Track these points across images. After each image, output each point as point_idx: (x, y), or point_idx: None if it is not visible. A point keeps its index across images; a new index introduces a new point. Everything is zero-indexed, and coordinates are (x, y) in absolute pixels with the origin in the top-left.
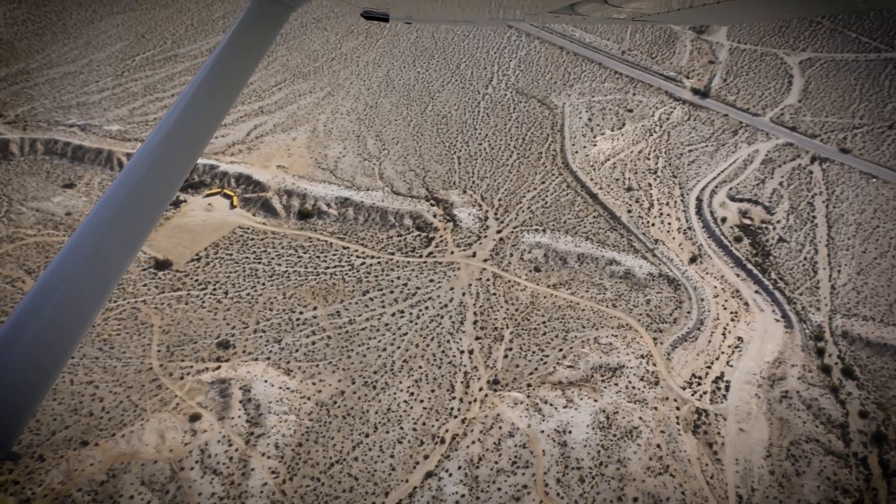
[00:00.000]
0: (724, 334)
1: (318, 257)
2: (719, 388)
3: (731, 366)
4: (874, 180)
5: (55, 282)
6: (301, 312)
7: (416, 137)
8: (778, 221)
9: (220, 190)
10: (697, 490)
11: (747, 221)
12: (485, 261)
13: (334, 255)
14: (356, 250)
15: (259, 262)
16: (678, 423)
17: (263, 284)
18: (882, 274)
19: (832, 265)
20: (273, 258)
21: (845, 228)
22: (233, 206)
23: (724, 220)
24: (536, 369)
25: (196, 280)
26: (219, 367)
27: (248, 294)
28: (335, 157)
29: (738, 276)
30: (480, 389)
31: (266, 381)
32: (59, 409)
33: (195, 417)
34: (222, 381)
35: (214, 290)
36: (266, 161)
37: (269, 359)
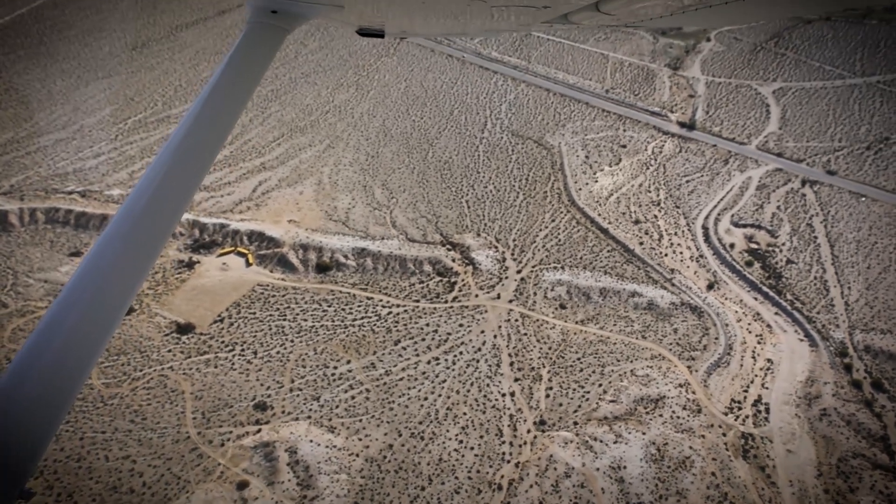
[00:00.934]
0: (753, 357)
1: (343, 310)
2: (760, 412)
3: (767, 388)
4: (863, 199)
5: (62, 317)
6: (335, 367)
7: (422, 184)
8: (783, 244)
9: (233, 248)
10: None
11: (754, 246)
12: (510, 301)
13: (359, 306)
14: (380, 300)
15: (284, 319)
16: (727, 450)
17: (292, 341)
18: (890, 288)
19: (841, 282)
20: (298, 314)
21: (846, 246)
22: (249, 264)
23: (732, 245)
24: (580, 406)
25: (222, 342)
26: (259, 430)
27: (277, 352)
28: (345, 208)
29: (755, 299)
30: (528, 431)
31: (311, 441)
32: (97, 489)
33: (243, 485)
34: (266, 445)
35: (243, 350)
36: (276, 216)
37: (309, 417)
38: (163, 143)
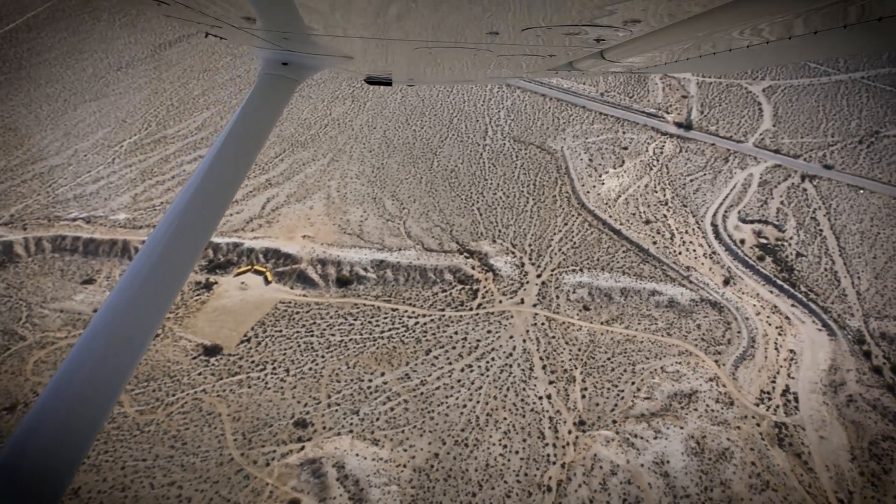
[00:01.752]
0: (776, 349)
1: (369, 323)
2: (789, 401)
3: (793, 378)
4: (861, 191)
5: (83, 360)
6: (370, 380)
7: (432, 194)
8: (791, 238)
9: (250, 267)
10: (801, 501)
11: (764, 241)
12: (534, 306)
13: (385, 318)
14: (405, 311)
15: (312, 335)
16: (763, 439)
17: (323, 357)
18: None
19: (851, 273)
20: (324, 329)
21: (851, 238)
22: (268, 282)
23: (742, 241)
24: (616, 405)
25: (252, 362)
26: (303, 448)
27: (310, 369)
28: (357, 221)
29: (771, 292)
30: (570, 432)
31: (357, 455)
32: None
33: (294, 503)
34: (312, 462)
35: (274, 369)
36: (290, 232)
37: (351, 431)
38: (162, 164)
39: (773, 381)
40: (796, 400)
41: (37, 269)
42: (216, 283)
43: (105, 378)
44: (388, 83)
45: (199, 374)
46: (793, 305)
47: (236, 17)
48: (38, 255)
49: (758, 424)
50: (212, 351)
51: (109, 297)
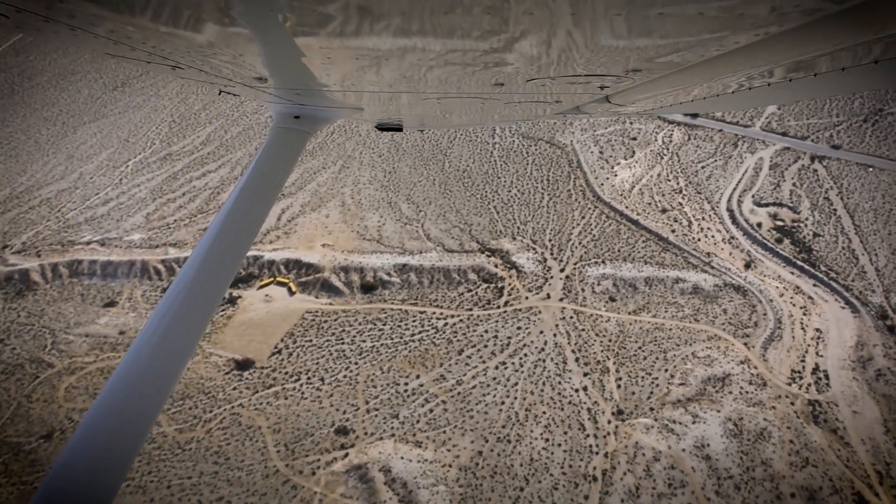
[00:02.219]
0: (803, 329)
1: (398, 327)
2: (820, 379)
3: (822, 356)
4: (871, 170)
5: (120, 387)
6: (406, 383)
7: (447, 195)
8: (806, 219)
9: (272, 279)
10: (841, 475)
11: (780, 223)
12: (561, 300)
13: (414, 321)
14: (433, 313)
15: (342, 343)
16: (799, 417)
17: (356, 363)
18: None
19: (868, 250)
20: (354, 336)
21: (865, 216)
22: (292, 293)
23: (759, 225)
24: (652, 393)
25: (286, 373)
26: (346, 455)
27: (344, 376)
28: (375, 226)
29: (792, 273)
30: (609, 422)
31: (402, 458)
32: None
33: None
34: (358, 468)
35: (309, 378)
36: (309, 242)
37: (393, 435)
38: (171, 181)
39: (803, 361)
40: (827, 377)
41: (56, 294)
42: (240, 297)
43: (142, 405)
44: (398, 129)
45: (234, 388)
46: (815, 285)
47: (249, 77)
48: (56, 281)
49: (792, 403)
50: (244, 365)
51: (137, 339)
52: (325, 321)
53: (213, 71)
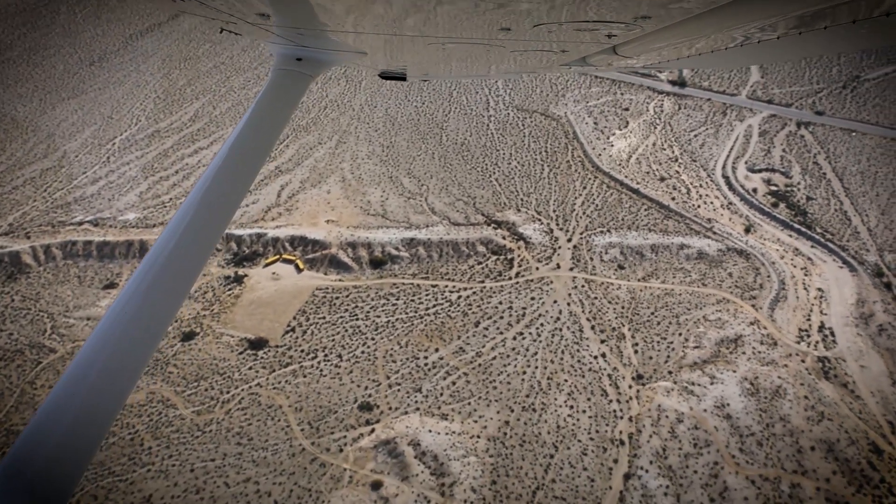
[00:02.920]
0: (805, 289)
1: (412, 301)
2: (826, 336)
3: (825, 314)
4: (854, 134)
5: (95, 356)
6: (425, 357)
7: (447, 168)
8: (798, 183)
9: (278, 257)
10: (855, 427)
11: (774, 188)
12: (571, 269)
13: (427, 295)
14: (446, 286)
15: (357, 319)
16: (810, 374)
17: (373, 339)
18: None
19: (859, 211)
20: (368, 312)
21: (853, 179)
22: (300, 270)
23: (755, 190)
24: (669, 357)
25: (302, 351)
26: (373, 430)
27: (362, 352)
28: (378, 201)
29: (790, 236)
30: (630, 387)
31: (430, 431)
32: None
33: (377, 485)
34: (386, 443)
35: (326, 356)
36: (312, 218)
37: (418, 409)
38: (163, 158)
39: (809, 319)
40: (833, 334)
41: (51, 277)
42: (246, 275)
43: (116, 376)
44: (402, 78)
45: (250, 368)
46: (812, 247)
47: (251, 13)
48: (50, 263)
49: (802, 361)
50: (257, 344)
51: (121, 293)
52: (337, 297)
53: (215, 5)
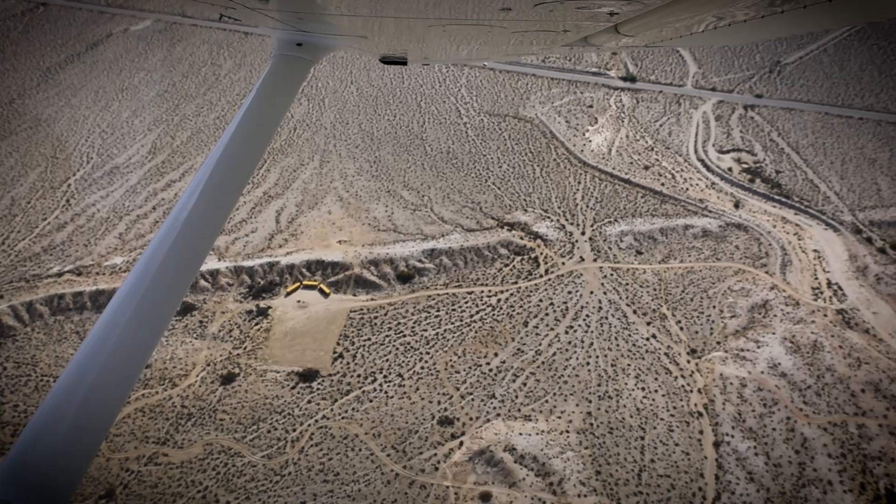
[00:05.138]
0: (804, 252)
1: (454, 311)
2: (836, 291)
3: (828, 272)
4: (793, 111)
5: (92, 361)
6: (487, 363)
7: (441, 177)
8: (763, 160)
9: (298, 284)
10: (888, 367)
11: (745, 165)
12: (594, 260)
13: (466, 303)
14: (482, 292)
15: (403, 336)
16: (836, 326)
17: (428, 353)
18: (855, 173)
19: (823, 179)
20: (413, 327)
21: (807, 151)
22: (326, 295)
23: (730, 169)
24: (712, 329)
25: (358, 376)
26: (461, 443)
27: (422, 368)
28: (385, 216)
29: (775, 207)
30: (688, 362)
31: (520, 434)
32: None
33: (486, 497)
34: (480, 453)
35: (387, 377)
36: (323, 241)
37: (499, 415)
38: (132, 196)
39: (816, 278)
40: (840, 289)
41: (43, 337)
42: (269, 307)
43: (114, 380)
44: (403, 62)
45: (309, 402)
46: (796, 214)
47: None
48: (37, 322)
49: (825, 315)
50: (308, 376)
51: (118, 291)
52: (376, 317)
53: None
